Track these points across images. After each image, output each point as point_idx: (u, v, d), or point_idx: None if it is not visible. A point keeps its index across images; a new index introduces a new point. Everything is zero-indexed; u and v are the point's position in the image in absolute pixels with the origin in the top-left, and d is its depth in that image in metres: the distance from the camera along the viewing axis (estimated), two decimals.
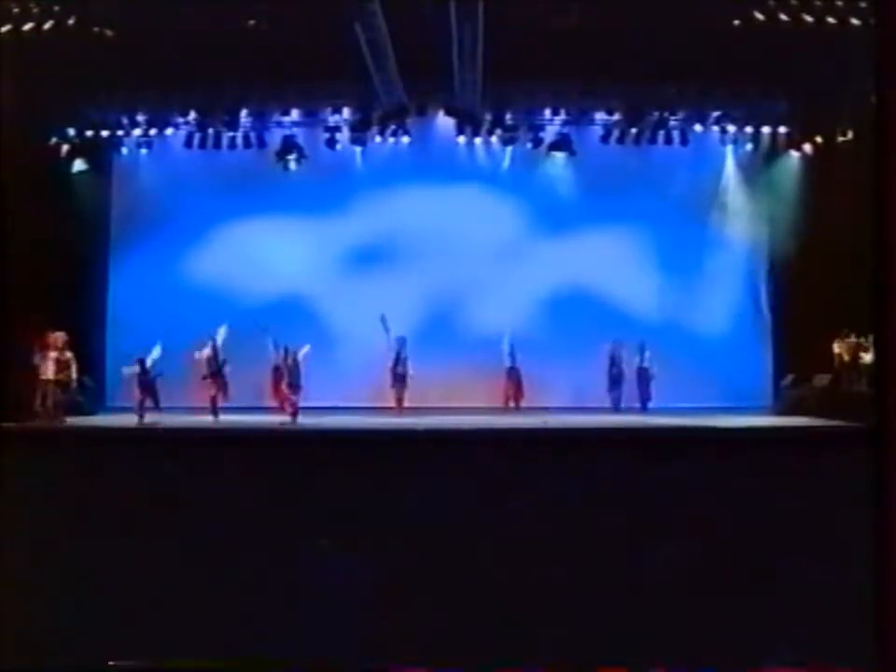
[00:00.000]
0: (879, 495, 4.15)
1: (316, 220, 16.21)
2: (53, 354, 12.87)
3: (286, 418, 13.46)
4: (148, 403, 13.55)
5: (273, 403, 14.25)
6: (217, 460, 6.39)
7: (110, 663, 4.58)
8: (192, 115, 15.81)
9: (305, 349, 13.89)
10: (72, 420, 13.17)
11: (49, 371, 12.79)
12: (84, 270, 15.72)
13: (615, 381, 15.44)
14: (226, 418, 13.55)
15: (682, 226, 16.19)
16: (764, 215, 16.35)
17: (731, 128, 16.01)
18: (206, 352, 13.77)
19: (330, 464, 6.27)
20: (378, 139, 16.04)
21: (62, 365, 12.88)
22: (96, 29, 12.95)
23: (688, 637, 4.82)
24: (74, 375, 13.21)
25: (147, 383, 13.56)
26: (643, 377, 15.35)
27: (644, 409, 15.18)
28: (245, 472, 6.11)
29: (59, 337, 13.03)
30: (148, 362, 13.66)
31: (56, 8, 12.52)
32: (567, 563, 5.36)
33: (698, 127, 15.95)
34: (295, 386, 13.68)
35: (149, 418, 13.38)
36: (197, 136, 16.04)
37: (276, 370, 14.13)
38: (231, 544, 5.49)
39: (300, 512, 5.76)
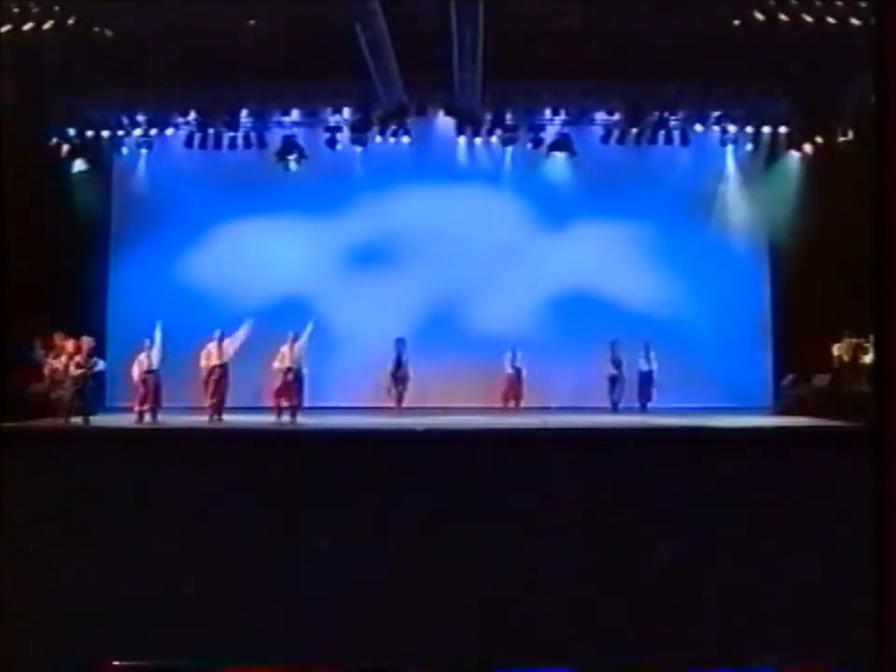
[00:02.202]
0: (879, 495, 4.15)
1: (317, 220, 16.21)
2: (77, 358, 12.84)
3: (285, 418, 13.43)
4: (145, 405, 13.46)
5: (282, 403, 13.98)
6: (218, 460, 6.39)
7: (114, 663, 4.58)
8: (192, 115, 15.80)
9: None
10: (72, 420, 13.15)
11: (63, 373, 12.76)
12: (84, 270, 15.72)
13: (615, 381, 15.42)
14: (226, 418, 13.53)
15: (683, 226, 16.19)
16: (765, 215, 16.35)
17: (731, 128, 16.01)
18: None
19: (330, 464, 6.27)
20: (378, 139, 16.02)
21: (76, 369, 12.85)
22: (96, 29, 12.95)
23: (687, 636, 4.81)
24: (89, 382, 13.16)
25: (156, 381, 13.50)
26: (645, 378, 15.33)
27: (644, 409, 15.17)
28: (245, 472, 6.11)
29: (84, 342, 13.01)
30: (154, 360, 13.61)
31: (56, 8, 12.51)
32: (566, 563, 5.36)
33: (698, 127, 15.95)
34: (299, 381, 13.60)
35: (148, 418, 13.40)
36: (197, 136, 16.03)
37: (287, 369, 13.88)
38: (232, 544, 5.49)
39: (299, 512, 5.76)
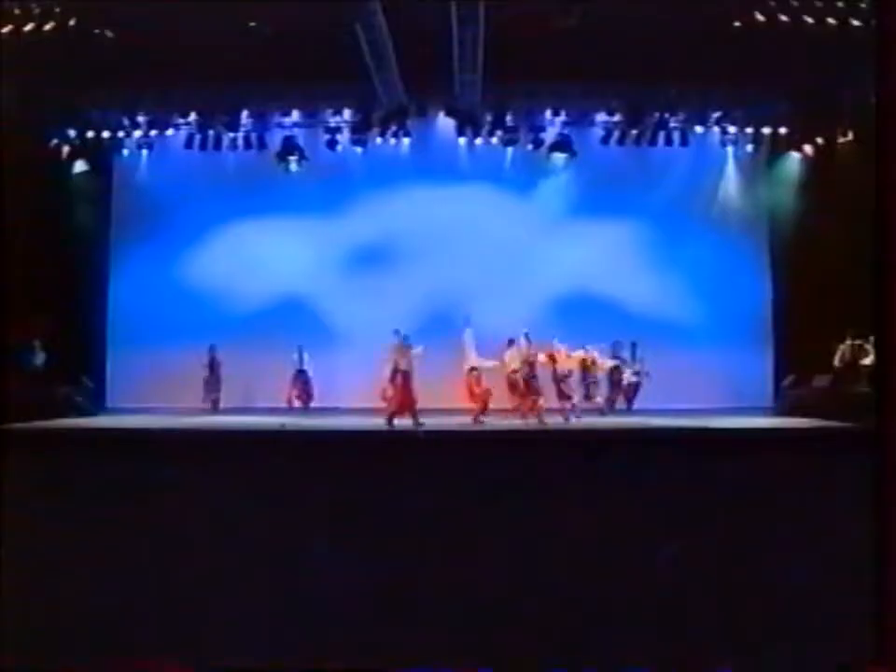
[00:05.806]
0: (879, 495, 4.15)
1: (317, 221, 16.21)
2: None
3: (286, 419, 13.41)
4: None
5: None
6: (217, 460, 6.38)
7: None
8: (193, 116, 15.82)
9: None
10: (72, 420, 13.17)
11: None
12: (84, 270, 15.74)
13: (614, 382, 15.44)
14: (225, 419, 13.54)
15: (683, 226, 16.20)
16: (765, 215, 16.36)
17: (731, 129, 16.02)
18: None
19: (330, 464, 6.26)
20: (379, 140, 16.04)
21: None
22: (96, 30, 12.95)
23: (688, 636, 4.81)
24: None
25: None
26: (633, 379, 15.43)
27: (629, 409, 15.23)
28: (245, 472, 6.10)
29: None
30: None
31: (56, 9, 12.52)
32: (567, 563, 5.36)
33: (699, 128, 15.97)
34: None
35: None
36: (198, 137, 16.06)
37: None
38: (231, 544, 5.49)
39: (299, 513, 5.76)
